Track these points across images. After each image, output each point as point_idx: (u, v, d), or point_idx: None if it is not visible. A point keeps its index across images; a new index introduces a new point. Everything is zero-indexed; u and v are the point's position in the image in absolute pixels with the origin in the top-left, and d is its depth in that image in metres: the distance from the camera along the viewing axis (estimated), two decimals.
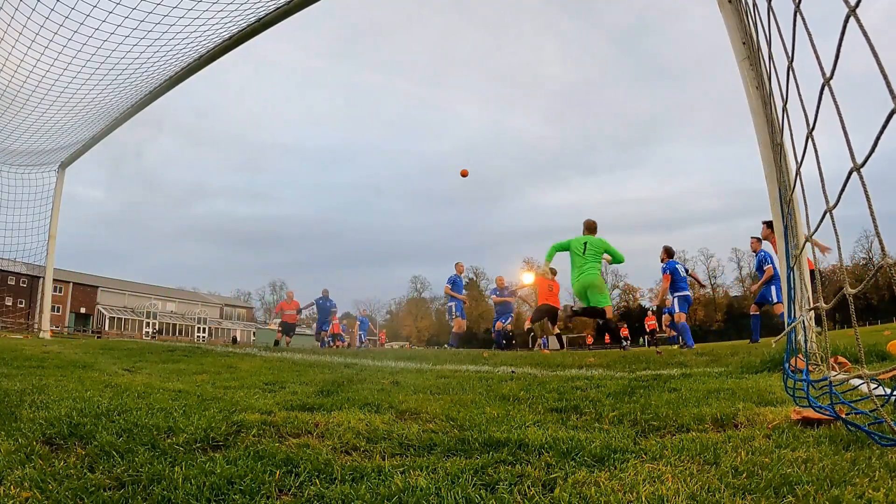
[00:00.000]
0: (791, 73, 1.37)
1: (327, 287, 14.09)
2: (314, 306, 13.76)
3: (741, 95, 3.27)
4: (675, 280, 8.21)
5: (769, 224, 7.35)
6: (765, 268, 7.48)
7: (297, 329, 13.29)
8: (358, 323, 18.88)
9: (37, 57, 5.85)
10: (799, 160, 1.42)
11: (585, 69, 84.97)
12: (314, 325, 14.44)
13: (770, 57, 1.76)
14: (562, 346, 9.98)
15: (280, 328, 13.32)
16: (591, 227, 7.02)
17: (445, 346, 11.96)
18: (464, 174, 9.08)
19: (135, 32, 5.50)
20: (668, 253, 8.40)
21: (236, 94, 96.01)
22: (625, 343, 22.34)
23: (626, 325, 27.15)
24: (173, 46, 5.98)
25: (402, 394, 2.26)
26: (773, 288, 7.47)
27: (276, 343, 12.64)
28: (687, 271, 8.48)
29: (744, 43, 3.24)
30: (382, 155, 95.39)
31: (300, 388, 2.47)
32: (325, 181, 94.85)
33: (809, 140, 1.26)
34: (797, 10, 1.20)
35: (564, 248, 7.00)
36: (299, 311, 13.39)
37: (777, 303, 7.22)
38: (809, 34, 1.18)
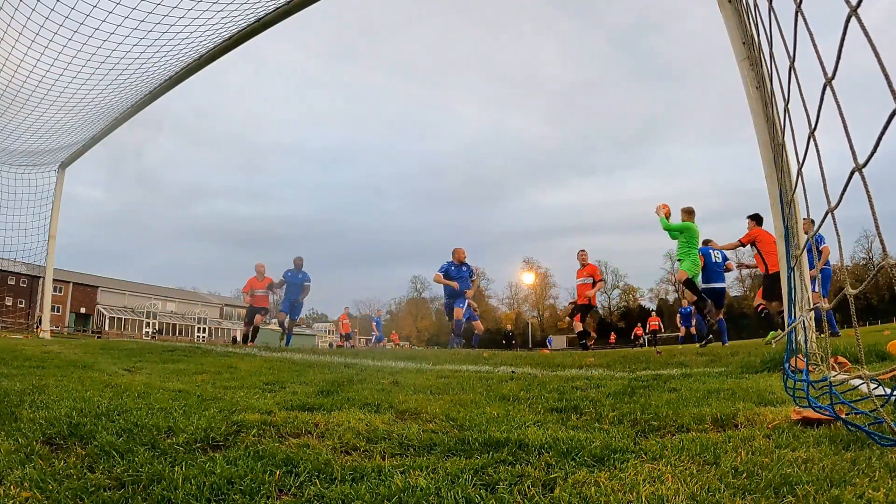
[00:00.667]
0: (792, 73, 1.37)
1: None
2: (284, 285, 10.32)
3: (741, 95, 3.27)
4: (705, 267, 7.66)
5: (754, 217, 7.21)
6: (820, 248, 7.15)
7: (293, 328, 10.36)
8: (374, 324, 20.11)
9: (37, 57, 5.85)
10: (800, 160, 1.42)
11: (585, 69, 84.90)
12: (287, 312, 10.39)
13: (771, 57, 1.76)
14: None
15: (247, 314, 10.49)
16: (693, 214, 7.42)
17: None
18: (665, 212, 7.51)
19: (135, 32, 5.49)
20: (703, 241, 8.03)
21: (236, 94, 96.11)
22: (638, 342, 22.25)
23: (640, 325, 26.98)
24: (173, 46, 5.98)
25: (402, 394, 2.26)
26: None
27: (250, 337, 10.00)
28: (725, 259, 7.87)
29: (744, 43, 3.24)
30: (382, 155, 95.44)
31: (300, 388, 2.47)
32: (325, 181, 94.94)
33: (811, 140, 1.26)
34: (798, 9, 1.20)
35: (685, 230, 7.29)
36: (270, 289, 10.42)
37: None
38: (811, 34, 1.18)
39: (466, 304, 9.52)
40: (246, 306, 10.65)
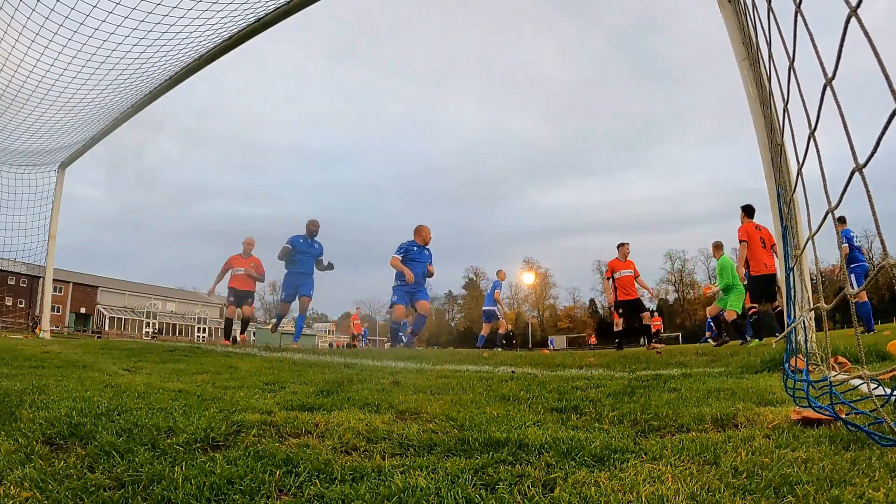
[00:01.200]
0: (792, 73, 1.37)
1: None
2: (288, 254, 7.63)
3: (741, 95, 3.27)
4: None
5: (745, 208, 7.34)
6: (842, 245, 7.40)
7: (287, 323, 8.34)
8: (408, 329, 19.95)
9: (37, 57, 5.85)
10: (800, 161, 1.42)
11: (585, 69, 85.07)
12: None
13: (770, 57, 1.76)
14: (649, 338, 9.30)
15: (229, 298, 8.27)
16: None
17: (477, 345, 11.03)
18: (711, 291, 8.66)
19: (135, 32, 5.50)
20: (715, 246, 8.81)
21: (236, 94, 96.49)
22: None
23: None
24: (173, 46, 5.98)
25: (402, 394, 2.26)
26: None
27: (240, 330, 8.32)
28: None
29: (744, 43, 3.24)
30: (382, 155, 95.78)
31: (300, 388, 2.47)
32: (325, 181, 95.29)
33: (811, 140, 1.26)
34: (798, 10, 1.20)
35: (726, 268, 8.09)
36: (258, 278, 8.16)
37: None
38: (810, 34, 1.18)
39: (504, 314, 10.14)
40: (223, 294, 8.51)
